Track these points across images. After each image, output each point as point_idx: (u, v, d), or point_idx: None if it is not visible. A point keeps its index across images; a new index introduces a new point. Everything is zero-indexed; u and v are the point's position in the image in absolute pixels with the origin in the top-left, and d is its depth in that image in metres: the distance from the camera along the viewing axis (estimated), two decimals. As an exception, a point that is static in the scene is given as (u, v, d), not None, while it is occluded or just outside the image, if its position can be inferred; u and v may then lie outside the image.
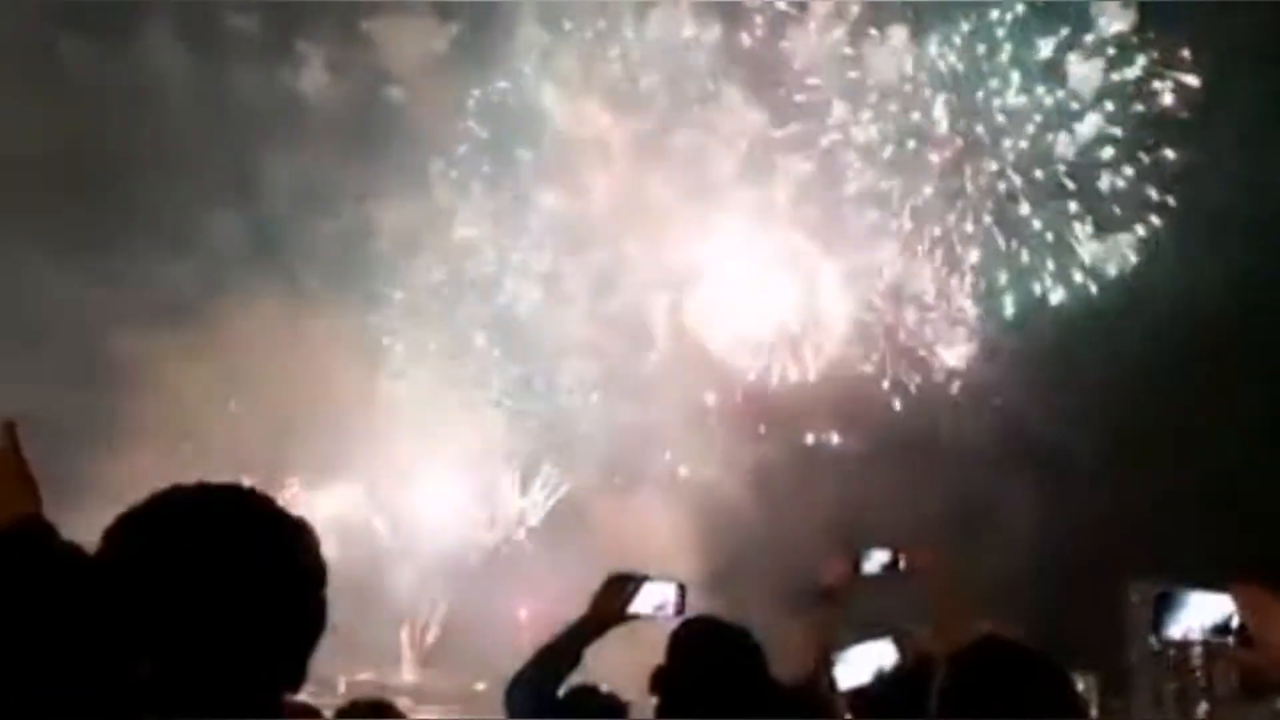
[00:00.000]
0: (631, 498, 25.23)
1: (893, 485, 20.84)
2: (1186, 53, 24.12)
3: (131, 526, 1.83)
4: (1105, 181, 24.71)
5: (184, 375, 25.12)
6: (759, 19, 25.42)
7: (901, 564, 4.26)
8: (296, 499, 25.18)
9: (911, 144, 25.26)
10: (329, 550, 2.01)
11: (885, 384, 24.70)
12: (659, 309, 25.76)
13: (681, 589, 3.73)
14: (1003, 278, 24.69)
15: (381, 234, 27.54)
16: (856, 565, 4.33)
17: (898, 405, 24.61)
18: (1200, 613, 2.55)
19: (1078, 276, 24.82)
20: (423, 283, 27.40)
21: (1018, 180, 24.74)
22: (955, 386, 24.64)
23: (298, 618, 1.84)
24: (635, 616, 3.66)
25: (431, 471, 26.56)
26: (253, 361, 26.09)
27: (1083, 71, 25.02)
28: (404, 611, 26.81)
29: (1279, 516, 20.46)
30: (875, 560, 4.30)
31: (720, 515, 23.48)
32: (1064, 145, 25.10)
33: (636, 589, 3.64)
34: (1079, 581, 22.04)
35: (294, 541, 1.86)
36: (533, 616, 23.48)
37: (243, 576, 1.79)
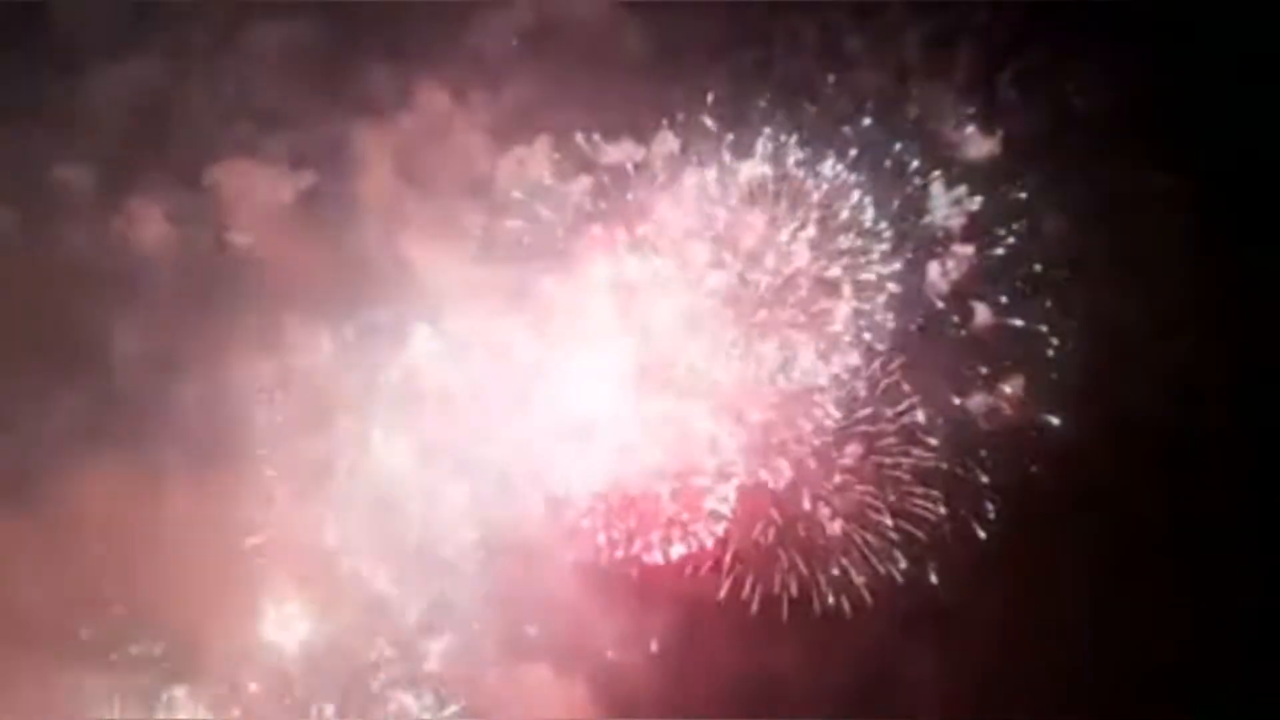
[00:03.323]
0: (523, 669, 24.26)
1: (796, 651, 20.58)
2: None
3: None
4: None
5: (13, 562, 23.46)
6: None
7: None
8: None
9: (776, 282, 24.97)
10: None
11: (778, 548, 24.04)
12: (534, 469, 24.73)
13: None
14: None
15: (237, 397, 26.11)
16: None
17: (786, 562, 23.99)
18: None
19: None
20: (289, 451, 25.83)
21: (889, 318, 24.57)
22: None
23: None
24: None
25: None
26: (93, 545, 24.27)
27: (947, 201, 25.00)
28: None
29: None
30: None
31: (619, 687, 22.63)
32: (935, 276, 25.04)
33: None
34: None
35: None
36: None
37: None
